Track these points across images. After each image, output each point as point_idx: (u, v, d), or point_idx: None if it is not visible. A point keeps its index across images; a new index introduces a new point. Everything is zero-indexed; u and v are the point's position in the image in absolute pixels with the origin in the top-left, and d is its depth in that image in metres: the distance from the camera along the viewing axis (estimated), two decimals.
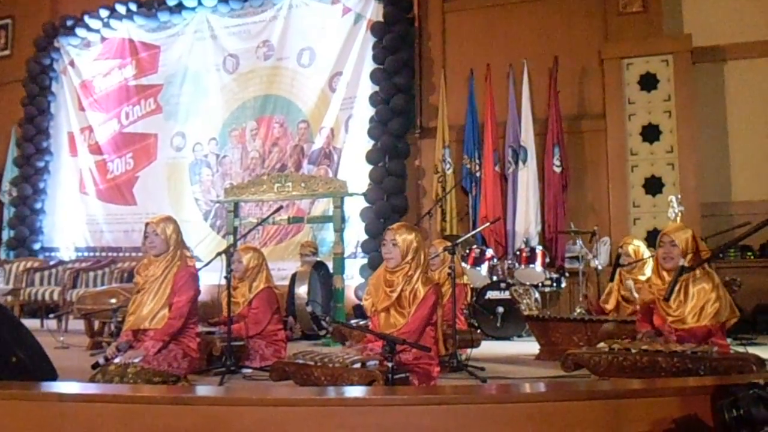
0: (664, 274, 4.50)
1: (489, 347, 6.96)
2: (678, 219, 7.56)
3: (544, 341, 6.60)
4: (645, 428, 3.13)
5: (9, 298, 9.65)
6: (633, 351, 4.14)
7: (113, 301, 7.01)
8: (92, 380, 4.53)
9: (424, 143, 10.81)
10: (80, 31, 13.20)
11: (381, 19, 10.72)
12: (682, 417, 3.16)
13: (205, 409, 2.89)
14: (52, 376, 3.58)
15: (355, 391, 3.29)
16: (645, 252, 6.56)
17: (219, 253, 5.71)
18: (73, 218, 13.19)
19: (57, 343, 7.39)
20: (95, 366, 4.71)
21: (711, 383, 3.22)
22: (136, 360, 4.69)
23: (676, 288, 4.22)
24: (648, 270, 6.39)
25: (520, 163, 9.93)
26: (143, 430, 2.77)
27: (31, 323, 9.74)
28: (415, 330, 4.29)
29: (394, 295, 4.38)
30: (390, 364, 3.84)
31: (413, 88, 10.79)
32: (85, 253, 12.75)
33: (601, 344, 4.38)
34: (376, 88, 10.56)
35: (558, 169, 9.77)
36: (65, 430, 2.73)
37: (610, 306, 6.62)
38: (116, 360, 4.71)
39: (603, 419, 3.13)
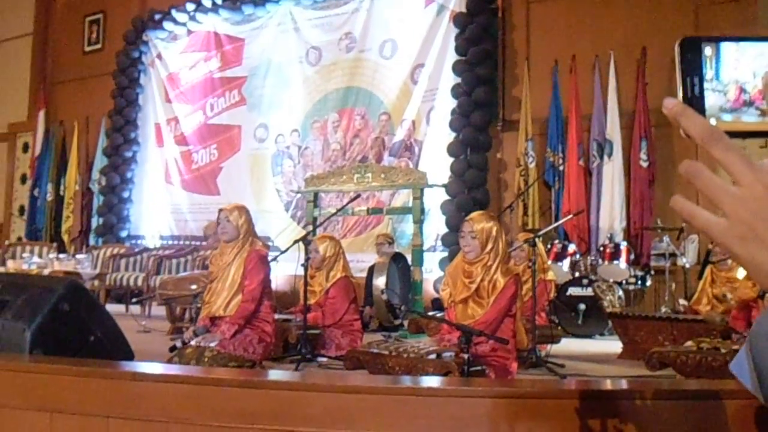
0: None
1: (569, 345, 6.78)
2: None
3: (627, 340, 6.38)
4: None
5: (95, 282, 9.89)
6: (723, 351, 3.94)
7: (194, 287, 7.10)
8: (169, 363, 4.58)
9: (507, 136, 10.61)
10: (167, 25, 13.46)
11: (464, 9, 10.55)
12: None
13: (276, 393, 2.85)
14: (129, 357, 3.62)
15: (429, 381, 3.21)
16: None
17: (296, 241, 5.71)
18: (159, 207, 13.50)
19: (139, 327, 7.54)
20: (172, 349, 4.77)
21: None
22: (213, 344, 4.72)
23: None
24: (741, 268, 6.13)
25: (605, 157, 9.66)
26: (215, 412, 2.75)
27: (116, 308, 10.13)
28: (492, 321, 4.18)
29: (473, 286, 4.27)
30: (466, 356, 3.74)
31: (496, 80, 10.59)
32: (170, 242, 12.99)
33: (689, 343, 4.19)
34: (458, 80, 10.43)
35: (645, 164, 9.46)
36: (138, 409, 2.73)
37: (702, 307, 6.34)
38: (192, 342, 4.75)
39: (689, 421, 2.97)
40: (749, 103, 0.94)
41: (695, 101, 0.92)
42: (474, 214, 4.47)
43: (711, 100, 0.93)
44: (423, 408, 2.85)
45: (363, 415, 2.81)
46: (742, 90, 0.94)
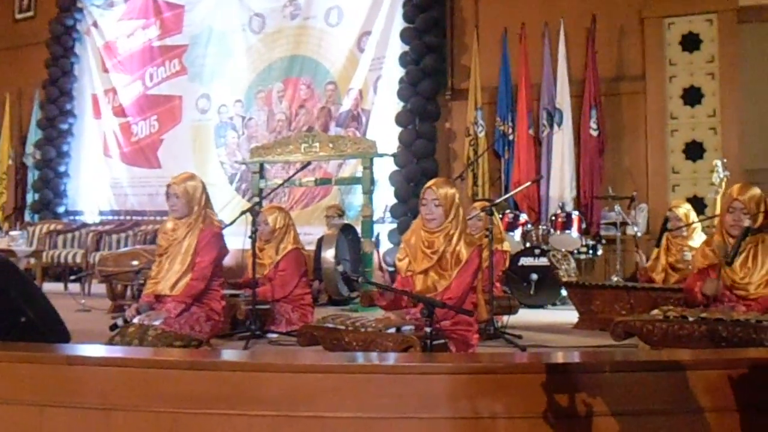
0: (730, 240, 4.16)
1: (524, 315, 6.67)
2: (723, 185, 7.18)
3: (584, 309, 6.28)
4: (709, 403, 2.83)
5: (32, 260, 9.49)
6: (690, 319, 3.82)
7: (135, 262, 6.81)
8: (110, 343, 4.31)
9: (456, 105, 10.46)
10: None
11: None
12: (749, 391, 2.86)
13: (227, 375, 2.64)
14: (65, 338, 3.35)
15: (393, 358, 3.03)
16: (695, 218, 6.21)
17: (243, 212, 5.46)
18: (97, 181, 13.06)
19: (78, 305, 7.21)
20: (113, 327, 4.49)
21: None
22: (157, 322, 4.45)
23: (742, 252, 3.87)
24: (697, 237, 6.07)
25: (555, 126, 9.58)
26: (159, 397, 2.53)
27: (54, 286, 9.76)
28: (459, 297, 3.99)
29: (436, 256, 4.07)
30: (429, 329, 3.55)
31: (444, 48, 10.41)
32: (110, 217, 12.63)
33: (655, 311, 4.06)
34: (406, 48, 10.21)
35: (595, 133, 9.40)
36: (75, 396, 2.49)
37: (656, 275, 6.27)
38: (135, 320, 4.48)
39: (665, 391, 2.84)
40: None
41: None
42: (436, 180, 4.25)
43: None
44: (387, 386, 2.67)
45: (323, 395, 2.62)
46: None
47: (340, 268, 6.05)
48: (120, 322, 4.54)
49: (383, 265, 9.42)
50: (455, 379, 2.67)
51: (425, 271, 4.11)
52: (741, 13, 9.10)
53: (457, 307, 3.84)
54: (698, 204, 8.69)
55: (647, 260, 6.84)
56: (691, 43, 9.22)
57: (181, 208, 4.79)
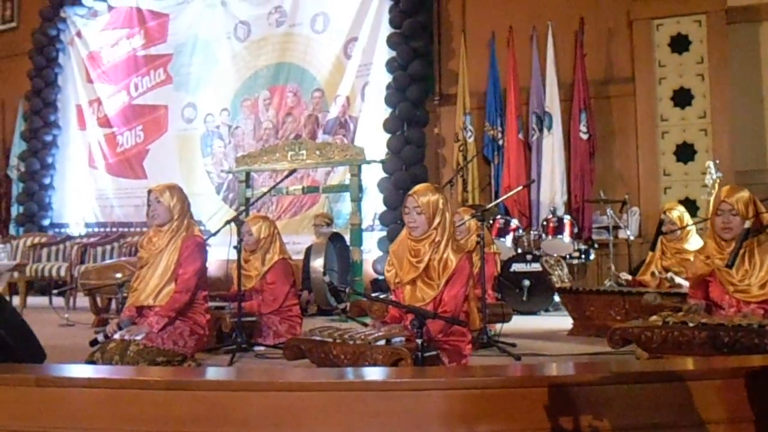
0: (723, 243, 4.05)
1: (517, 322, 6.53)
2: (716, 186, 7.08)
3: (578, 315, 6.17)
4: (716, 414, 2.70)
5: (15, 274, 9.30)
6: (690, 325, 3.69)
7: (118, 275, 6.65)
8: (90, 359, 4.16)
9: (444, 111, 10.37)
10: (86, 0, 12.80)
11: None
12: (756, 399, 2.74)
13: (209, 395, 2.50)
14: (39, 358, 3.19)
15: (382, 374, 2.89)
16: (689, 220, 6.10)
17: (228, 222, 5.30)
18: (83, 193, 12.89)
19: (61, 320, 7.05)
20: (93, 343, 4.33)
21: None
22: (139, 337, 4.30)
23: (739, 254, 3.76)
24: (692, 240, 5.95)
25: (545, 130, 9.49)
26: (137, 419, 2.39)
27: (38, 301, 9.57)
28: (454, 311, 3.84)
29: (422, 265, 3.92)
30: (419, 341, 3.42)
31: (432, 53, 10.32)
32: (95, 229, 12.44)
33: (654, 317, 3.93)
34: (393, 54, 10.10)
35: (585, 136, 9.31)
36: (44, 419, 2.35)
37: (648, 278, 6.15)
38: (116, 336, 4.33)
39: (666, 404, 2.71)
40: None
41: None
42: (418, 187, 4.10)
43: None
44: (376, 404, 2.53)
45: (309, 414, 2.48)
46: None
47: (327, 278, 5.89)
48: (101, 337, 4.39)
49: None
50: (448, 395, 2.54)
51: (413, 281, 3.96)
52: (730, 14, 9.05)
53: (449, 317, 3.69)
54: (690, 206, 8.62)
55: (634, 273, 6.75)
56: (680, 44, 9.15)
57: (161, 214, 4.66)
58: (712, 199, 6.73)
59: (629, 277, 6.50)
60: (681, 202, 8.72)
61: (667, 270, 5.98)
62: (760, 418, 2.62)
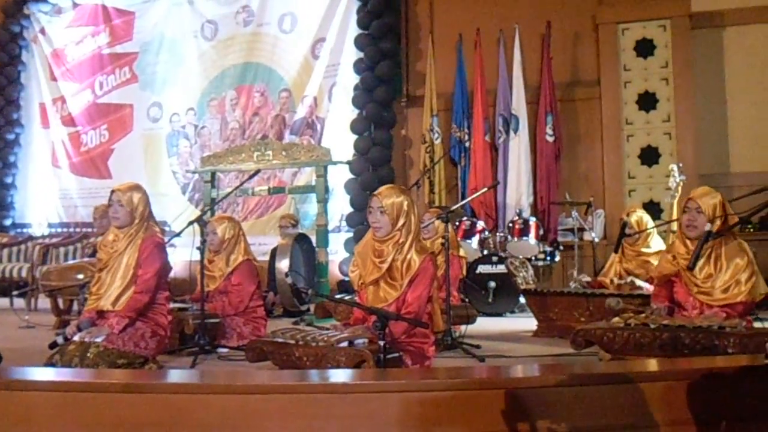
0: (688, 242, 4.10)
1: (482, 324, 6.55)
2: (679, 189, 7.15)
3: (543, 317, 6.20)
4: (669, 415, 2.73)
5: None
6: (652, 326, 3.73)
7: (80, 276, 6.54)
8: (49, 362, 4.09)
9: (411, 112, 10.38)
10: None
11: None
12: (713, 400, 2.77)
13: (167, 398, 2.46)
14: None
15: (343, 376, 2.87)
16: (649, 223, 6.15)
17: (191, 222, 5.25)
18: (46, 193, 12.72)
19: (22, 322, 6.93)
20: (53, 345, 4.26)
21: (747, 362, 2.83)
22: (99, 339, 4.24)
23: (703, 256, 3.80)
24: (652, 242, 6.01)
25: (512, 133, 9.55)
26: (88, 424, 2.34)
27: None
28: (417, 312, 3.84)
29: (385, 266, 3.91)
30: (382, 343, 3.41)
31: (399, 55, 10.32)
32: (59, 229, 12.24)
33: (616, 319, 3.97)
34: (361, 55, 10.10)
35: (551, 139, 9.39)
36: None
37: (608, 280, 6.18)
38: (76, 338, 4.26)
39: (625, 405, 2.72)
40: None
41: None
42: (382, 188, 4.09)
43: None
44: (336, 407, 2.52)
45: (267, 418, 2.46)
46: None
47: (289, 279, 5.86)
48: (60, 339, 4.32)
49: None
50: (408, 397, 2.53)
51: (376, 282, 3.95)
52: (694, 19, 9.18)
53: (412, 319, 3.69)
54: (654, 208, 8.71)
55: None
56: (645, 48, 9.26)
57: (123, 216, 4.59)
58: (675, 201, 6.80)
59: (589, 279, 6.54)
60: (645, 204, 8.85)
61: (628, 273, 6.02)
62: (700, 422, 2.65)
